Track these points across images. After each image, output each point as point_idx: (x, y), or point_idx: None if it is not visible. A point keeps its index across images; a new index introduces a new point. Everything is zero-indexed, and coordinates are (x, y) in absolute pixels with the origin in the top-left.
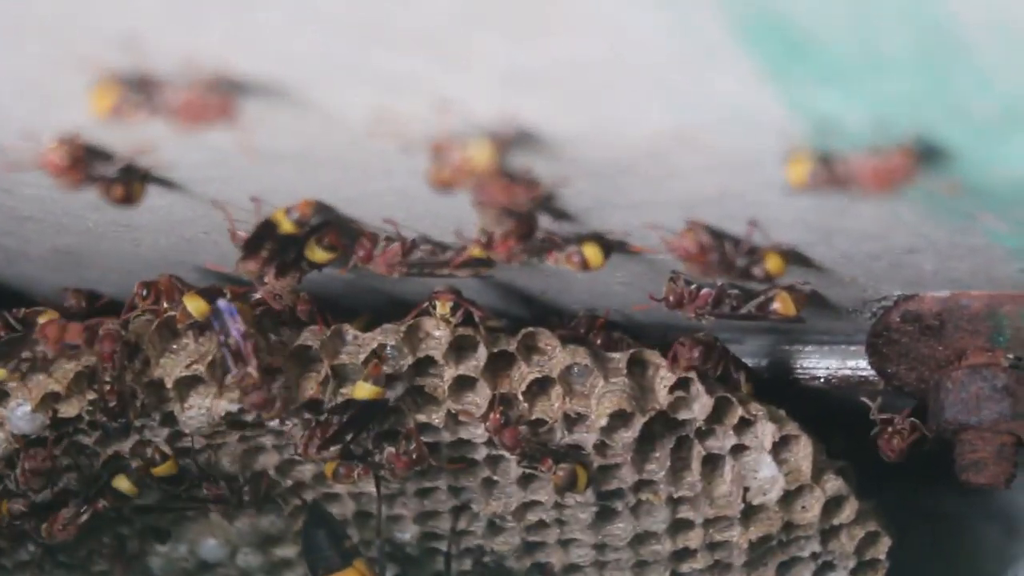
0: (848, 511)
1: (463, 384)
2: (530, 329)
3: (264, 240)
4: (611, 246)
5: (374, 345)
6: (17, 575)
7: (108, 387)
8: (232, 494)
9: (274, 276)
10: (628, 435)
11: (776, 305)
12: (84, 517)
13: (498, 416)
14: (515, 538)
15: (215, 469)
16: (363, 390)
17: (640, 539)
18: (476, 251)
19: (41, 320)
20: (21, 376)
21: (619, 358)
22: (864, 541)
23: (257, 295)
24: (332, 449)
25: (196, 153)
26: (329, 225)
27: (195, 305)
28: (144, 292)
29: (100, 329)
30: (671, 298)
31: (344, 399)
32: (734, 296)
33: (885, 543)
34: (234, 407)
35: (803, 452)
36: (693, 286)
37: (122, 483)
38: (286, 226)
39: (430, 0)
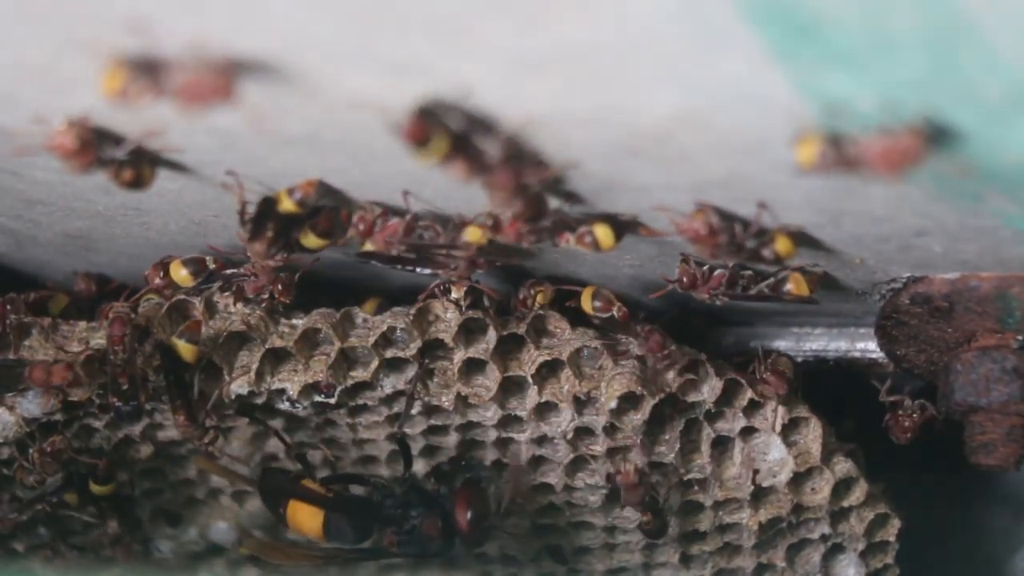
0: (858, 493)
1: (473, 367)
2: (539, 311)
3: (267, 220)
4: (622, 227)
5: (383, 328)
6: (30, 557)
7: (119, 370)
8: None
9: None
10: (638, 417)
11: (789, 286)
12: (22, 518)
13: (632, 475)
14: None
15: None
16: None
17: None
18: (476, 234)
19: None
20: None
21: (628, 340)
22: (874, 523)
23: (239, 270)
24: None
25: (205, 137)
26: (323, 211)
27: (179, 274)
28: (162, 273)
29: (110, 312)
30: (684, 279)
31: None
32: (747, 277)
33: (895, 525)
34: (244, 389)
35: (812, 434)
36: (706, 267)
37: (71, 497)
38: (287, 205)
39: None
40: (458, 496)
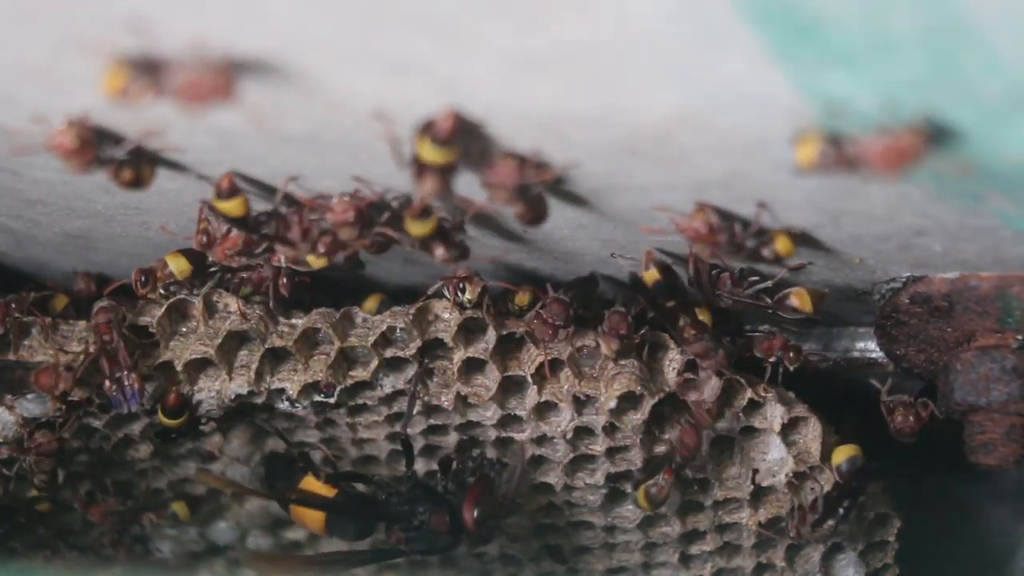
0: None
1: (472, 366)
2: (540, 311)
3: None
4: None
5: (383, 328)
6: (30, 556)
7: (111, 356)
8: None
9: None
10: (637, 417)
11: (793, 300)
12: None
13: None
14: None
15: None
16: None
17: (649, 521)
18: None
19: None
20: None
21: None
22: (873, 523)
23: (236, 264)
24: None
25: (205, 136)
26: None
27: (177, 264)
28: (143, 279)
29: (94, 306)
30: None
31: None
32: (751, 283)
33: (894, 525)
34: (243, 389)
35: (812, 434)
36: (714, 272)
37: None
38: (223, 207)
39: None
40: (467, 494)
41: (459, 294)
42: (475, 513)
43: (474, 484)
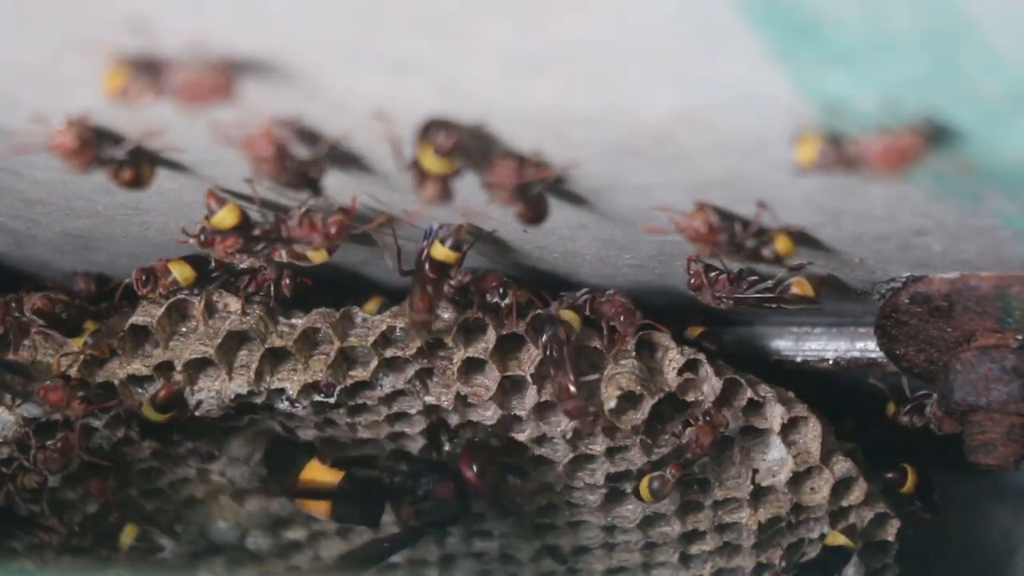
0: (857, 492)
1: (472, 366)
2: (539, 312)
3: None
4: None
5: (383, 327)
6: (28, 557)
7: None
8: None
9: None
10: (637, 417)
11: (794, 289)
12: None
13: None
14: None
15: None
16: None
17: (649, 521)
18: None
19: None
20: None
21: (628, 340)
22: (873, 523)
23: (243, 265)
24: None
25: (205, 136)
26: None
27: (181, 271)
28: (144, 278)
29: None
30: (692, 281)
31: None
32: (751, 281)
33: (894, 525)
34: (243, 389)
35: (812, 434)
36: (714, 273)
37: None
38: (217, 221)
39: None
40: (461, 456)
41: (498, 297)
42: (474, 468)
43: (464, 448)
